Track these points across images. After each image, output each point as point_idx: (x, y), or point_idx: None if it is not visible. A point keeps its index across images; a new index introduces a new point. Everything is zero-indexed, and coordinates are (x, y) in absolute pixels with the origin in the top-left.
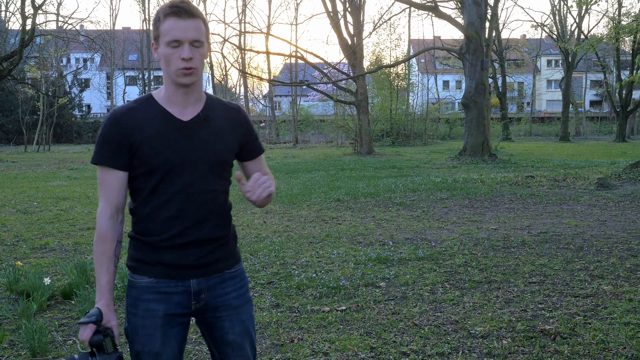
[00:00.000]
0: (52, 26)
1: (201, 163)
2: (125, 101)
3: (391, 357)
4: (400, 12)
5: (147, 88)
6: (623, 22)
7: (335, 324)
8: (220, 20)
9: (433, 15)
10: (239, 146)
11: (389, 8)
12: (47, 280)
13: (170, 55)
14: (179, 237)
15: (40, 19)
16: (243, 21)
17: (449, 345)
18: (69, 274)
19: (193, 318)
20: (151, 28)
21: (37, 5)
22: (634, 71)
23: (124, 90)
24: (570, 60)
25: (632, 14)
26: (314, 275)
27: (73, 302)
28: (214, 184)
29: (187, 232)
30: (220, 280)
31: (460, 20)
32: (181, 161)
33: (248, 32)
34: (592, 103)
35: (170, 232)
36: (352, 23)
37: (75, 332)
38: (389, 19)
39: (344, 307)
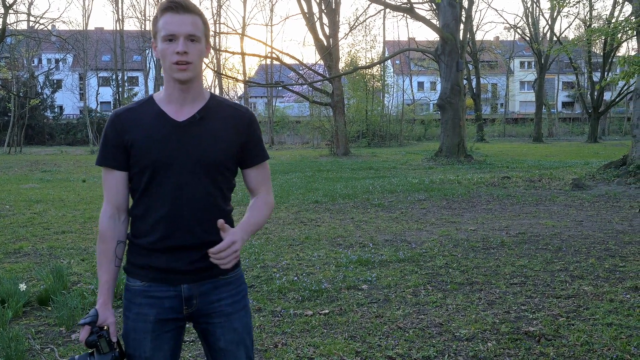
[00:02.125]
0: (23, 26)
1: (193, 164)
2: (98, 102)
3: None
4: (376, 13)
5: (120, 89)
6: (594, 25)
7: (318, 328)
8: None
9: (408, 16)
10: (240, 150)
11: (365, 10)
12: (22, 286)
13: (165, 50)
14: (168, 239)
15: (11, 18)
16: (218, 22)
17: (435, 348)
18: (45, 279)
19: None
20: (151, 27)
21: (7, 5)
22: (606, 73)
23: (97, 91)
24: (543, 62)
25: (603, 17)
26: (296, 278)
27: (50, 308)
28: (207, 186)
29: (176, 235)
30: (214, 286)
31: (435, 22)
32: (171, 161)
33: (223, 33)
34: (564, 104)
35: (159, 234)
36: (327, 24)
37: (52, 339)
38: (364, 21)
39: (327, 311)
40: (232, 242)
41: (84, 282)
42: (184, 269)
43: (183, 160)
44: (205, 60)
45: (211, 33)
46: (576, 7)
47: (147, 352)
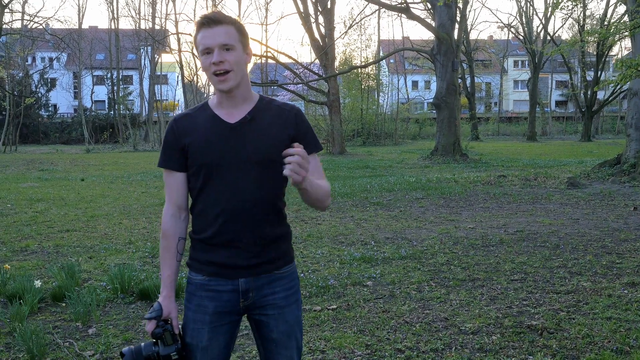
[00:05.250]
0: (17, 25)
1: (248, 162)
2: (93, 101)
3: (386, 354)
4: (372, 13)
5: (115, 88)
6: (587, 26)
7: (328, 322)
8: (191, 19)
9: (404, 16)
10: (290, 144)
11: (362, 10)
12: (37, 283)
13: (205, 63)
14: (225, 234)
15: (6, 17)
16: None
17: (442, 341)
18: (57, 276)
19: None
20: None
21: (3, 4)
22: (599, 72)
23: (92, 90)
24: (536, 61)
25: (597, 16)
26: (302, 275)
27: (64, 304)
28: (262, 183)
29: (232, 230)
30: (269, 280)
31: (430, 21)
32: (226, 161)
33: None
34: (558, 103)
35: (216, 229)
36: (323, 24)
37: (69, 334)
38: (360, 21)
39: (334, 306)
40: (302, 157)
41: (95, 279)
42: (242, 264)
43: (236, 159)
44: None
45: None
46: (574, 10)
47: (204, 342)
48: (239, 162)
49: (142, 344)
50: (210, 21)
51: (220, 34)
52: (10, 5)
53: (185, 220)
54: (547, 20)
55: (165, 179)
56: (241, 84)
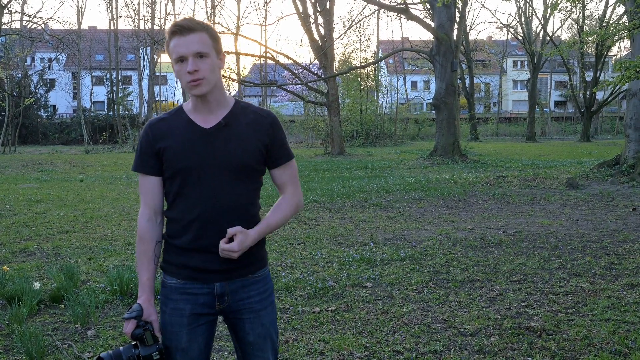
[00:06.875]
0: (16, 25)
1: (223, 168)
2: (92, 102)
3: (385, 355)
4: (371, 14)
5: (114, 88)
6: (586, 27)
7: (327, 324)
8: None
9: (403, 17)
10: (265, 152)
11: (361, 11)
12: (37, 285)
13: (179, 71)
14: (201, 240)
15: (5, 18)
16: (212, 22)
17: (440, 343)
18: (56, 278)
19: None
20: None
21: (2, 5)
22: (598, 72)
23: (91, 90)
24: (535, 61)
25: (596, 17)
26: (301, 276)
27: (62, 306)
28: (236, 188)
29: (208, 235)
30: (244, 284)
31: (429, 22)
32: (202, 166)
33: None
34: (557, 103)
35: (192, 234)
36: (322, 24)
37: (68, 336)
38: (360, 21)
39: (333, 308)
40: (230, 250)
41: (94, 281)
42: (217, 268)
43: (212, 165)
44: None
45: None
46: (573, 10)
47: (183, 343)
48: (214, 167)
49: (121, 347)
50: (183, 29)
51: (194, 42)
52: (9, 6)
53: (161, 223)
54: (546, 20)
55: (140, 183)
56: (215, 89)
